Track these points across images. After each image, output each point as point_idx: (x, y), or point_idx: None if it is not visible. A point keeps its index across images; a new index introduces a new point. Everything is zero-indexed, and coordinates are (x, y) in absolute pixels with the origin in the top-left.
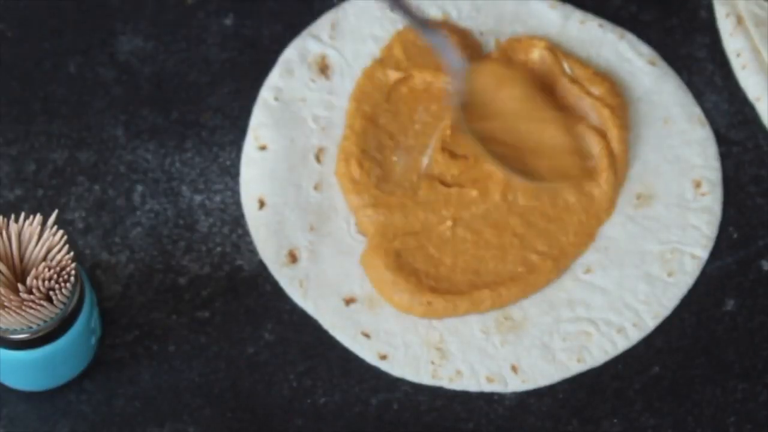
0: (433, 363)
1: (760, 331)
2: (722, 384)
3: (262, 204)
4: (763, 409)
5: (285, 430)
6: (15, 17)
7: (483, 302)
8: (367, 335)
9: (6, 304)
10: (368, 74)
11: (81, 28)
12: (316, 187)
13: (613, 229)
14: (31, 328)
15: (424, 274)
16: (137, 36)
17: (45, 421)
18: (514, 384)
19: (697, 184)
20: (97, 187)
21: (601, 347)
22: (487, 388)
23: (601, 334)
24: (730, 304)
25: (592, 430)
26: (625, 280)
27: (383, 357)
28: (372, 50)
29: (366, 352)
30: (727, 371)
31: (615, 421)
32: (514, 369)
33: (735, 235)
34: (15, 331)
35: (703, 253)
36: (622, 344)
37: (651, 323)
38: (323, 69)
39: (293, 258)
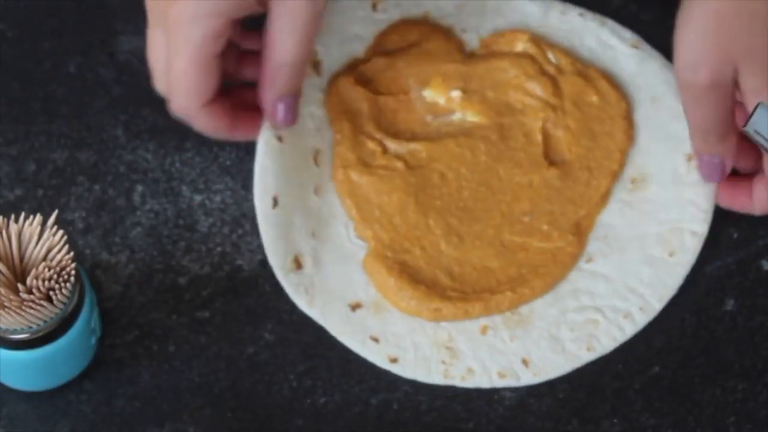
0: (444, 363)
1: (760, 331)
2: (722, 384)
3: (275, 202)
4: (763, 409)
5: (285, 430)
6: (15, 17)
7: (500, 305)
8: (375, 339)
9: (6, 304)
10: (339, 83)
11: (81, 28)
12: (315, 191)
13: (610, 216)
14: (31, 328)
15: (431, 281)
16: (137, 36)
17: (45, 421)
18: (527, 378)
19: (689, 158)
20: (97, 187)
21: (609, 334)
22: (500, 383)
23: (608, 321)
24: (730, 304)
25: (592, 430)
26: (628, 265)
27: (394, 360)
28: (356, 49)
29: (376, 356)
30: (727, 371)
31: (615, 421)
32: (524, 363)
33: (735, 235)
34: (15, 331)
35: (702, 228)
36: (629, 329)
37: (657, 305)
38: (315, 65)
39: (298, 264)
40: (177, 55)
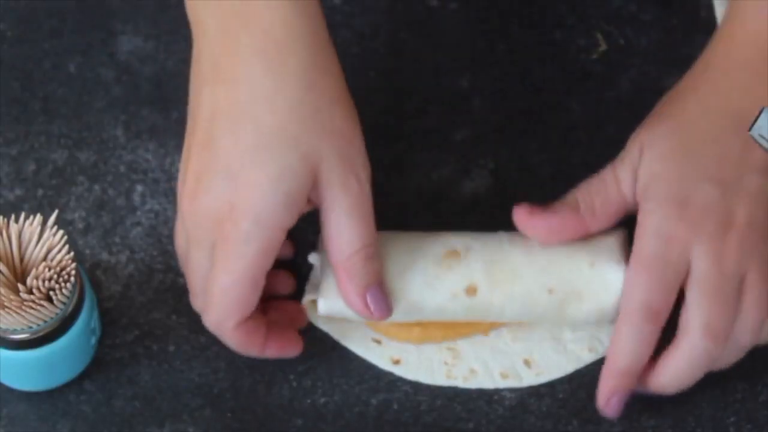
0: (446, 363)
1: None
2: (722, 384)
3: None
4: (763, 409)
5: (285, 430)
6: (15, 17)
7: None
8: (378, 341)
9: (6, 304)
10: None
11: (81, 28)
12: None
13: None
14: (31, 328)
15: None
16: (137, 36)
17: (45, 421)
18: (529, 378)
19: None
20: (97, 187)
21: (610, 334)
22: (502, 384)
23: (609, 322)
24: None
25: (592, 430)
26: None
27: (396, 362)
28: None
29: (378, 358)
30: (727, 371)
31: (615, 421)
32: (527, 363)
33: None
34: (15, 331)
35: None
36: None
37: None
38: None
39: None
40: (224, 272)
